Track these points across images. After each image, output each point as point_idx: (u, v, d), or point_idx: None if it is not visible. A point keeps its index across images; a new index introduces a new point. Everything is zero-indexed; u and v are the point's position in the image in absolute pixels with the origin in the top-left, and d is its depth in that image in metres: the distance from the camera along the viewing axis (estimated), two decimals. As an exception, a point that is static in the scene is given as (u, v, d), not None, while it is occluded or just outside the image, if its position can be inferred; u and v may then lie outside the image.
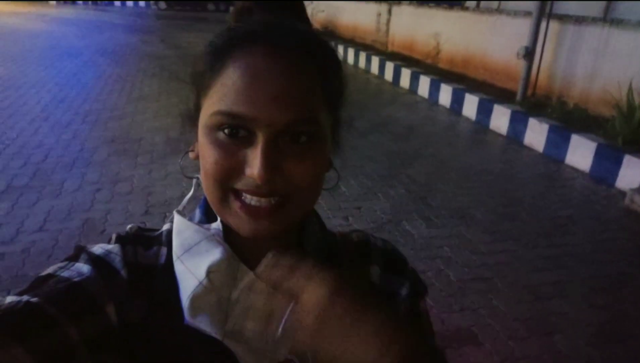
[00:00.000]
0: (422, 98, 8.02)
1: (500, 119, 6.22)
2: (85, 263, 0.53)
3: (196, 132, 0.57)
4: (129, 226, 0.62)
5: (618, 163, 4.54)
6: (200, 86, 0.54)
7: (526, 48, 6.48)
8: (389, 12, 11.34)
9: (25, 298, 0.45)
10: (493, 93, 7.06)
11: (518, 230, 3.66)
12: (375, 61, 9.93)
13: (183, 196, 0.62)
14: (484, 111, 6.56)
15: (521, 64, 6.61)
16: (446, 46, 8.95)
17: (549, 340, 2.51)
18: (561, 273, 3.11)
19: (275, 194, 0.51)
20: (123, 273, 0.54)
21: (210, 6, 26.79)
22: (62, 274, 0.50)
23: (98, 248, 0.56)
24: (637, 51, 5.55)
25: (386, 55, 10.34)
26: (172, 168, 4.47)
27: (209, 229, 0.56)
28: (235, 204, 0.51)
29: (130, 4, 27.64)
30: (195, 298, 0.52)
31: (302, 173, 0.51)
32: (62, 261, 0.53)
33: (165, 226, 0.62)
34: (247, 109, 0.48)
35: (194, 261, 0.54)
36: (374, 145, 5.43)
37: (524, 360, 2.38)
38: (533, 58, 6.56)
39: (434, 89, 7.83)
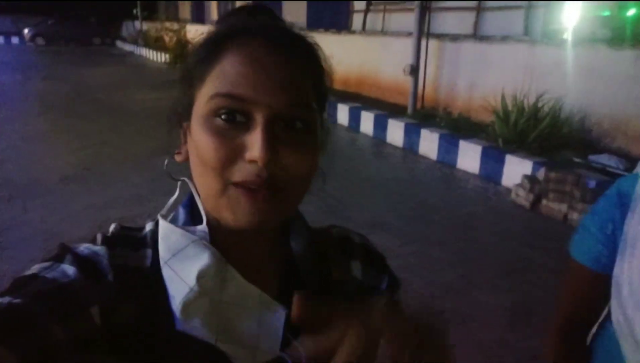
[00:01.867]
0: (322, 118, 8.28)
1: (396, 132, 6.63)
2: (70, 264, 0.51)
3: (182, 132, 0.57)
4: (113, 225, 0.60)
5: (501, 163, 5.05)
6: (194, 77, 0.55)
7: (411, 65, 7.01)
8: (281, 38, 11.66)
9: (7, 299, 0.44)
10: (386, 109, 7.51)
11: (426, 231, 3.92)
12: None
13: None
14: (380, 126, 6.95)
15: (409, 80, 7.12)
16: (339, 67, 9.27)
17: (465, 329, 2.70)
18: (469, 265, 3.38)
19: (274, 183, 0.51)
20: (110, 276, 0.53)
21: (96, 40, 25.63)
22: (47, 275, 0.49)
23: (84, 249, 0.54)
24: (504, 62, 6.26)
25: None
26: (74, 207, 4.19)
27: (194, 232, 0.56)
28: (233, 190, 0.51)
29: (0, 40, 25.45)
30: (186, 304, 0.52)
31: (297, 162, 0.52)
32: (46, 261, 0.51)
33: (148, 227, 0.61)
34: (247, 91, 0.50)
35: (182, 266, 0.54)
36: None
37: (446, 350, 2.55)
38: (418, 74, 7.10)
39: (332, 109, 8.13)
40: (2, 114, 8.02)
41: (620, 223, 0.91)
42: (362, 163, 5.96)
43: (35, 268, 0.50)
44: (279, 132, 0.51)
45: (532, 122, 5.27)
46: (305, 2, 11.73)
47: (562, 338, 1.03)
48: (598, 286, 0.95)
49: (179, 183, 0.61)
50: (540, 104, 5.43)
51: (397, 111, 7.30)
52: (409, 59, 7.06)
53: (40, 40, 23.92)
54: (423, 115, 6.87)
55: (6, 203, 4.30)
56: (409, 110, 7.11)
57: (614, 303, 0.91)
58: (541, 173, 4.48)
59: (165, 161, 0.60)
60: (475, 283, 3.17)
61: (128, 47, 23.16)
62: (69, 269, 0.50)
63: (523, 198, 4.51)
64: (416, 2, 6.91)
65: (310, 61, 0.56)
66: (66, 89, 10.69)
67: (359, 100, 8.29)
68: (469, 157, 5.46)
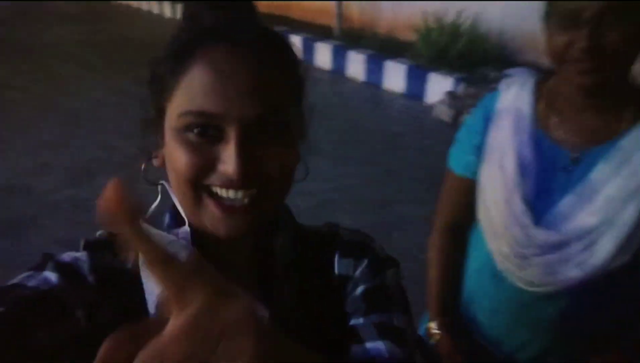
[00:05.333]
0: (249, 44, 8.07)
1: (324, 55, 6.63)
2: (52, 271, 0.51)
3: (157, 138, 0.57)
4: (99, 232, 0.60)
5: (424, 81, 5.25)
6: (163, 88, 0.54)
7: (336, -15, 6.87)
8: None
9: None
10: (313, 32, 7.40)
11: (358, 152, 4.11)
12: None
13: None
14: (308, 49, 6.86)
15: (334, 2, 7.00)
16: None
17: (389, 239, 2.89)
18: (397, 182, 3.62)
19: (250, 187, 0.51)
20: (90, 278, 0.53)
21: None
22: (29, 283, 0.49)
23: (66, 256, 0.55)
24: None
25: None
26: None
27: (176, 233, 0.56)
28: (210, 203, 0.52)
29: None
30: (160, 304, 0.51)
31: (273, 164, 0.52)
32: (28, 270, 0.52)
33: None
34: (216, 107, 0.49)
35: None
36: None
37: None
38: (343, -6, 6.98)
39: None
40: None
41: (485, 134, 1.07)
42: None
43: (17, 278, 0.51)
44: (253, 137, 0.51)
45: (452, 40, 5.42)
46: None
47: (446, 240, 1.20)
48: (471, 192, 1.11)
49: (159, 187, 0.60)
50: (460, 21, 5.57)
51: (324, 33, 7.21)
52: (333, -21, 6.90)
53: None
54: (350, 37, 6.84)
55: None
56: (336, 32, 7.05)
57: (479, 201, 1.09)
58: (461, 89, 4.72)
59: (142, 166, 0.60)
60: (401, 197, 3.42)
61: None
62: (51, 275, 0.51)
63: (445, 113, 4.76)
64: None
65: (281, 56, 0.55)
66: None
67: (287, 23, 8.08)
68: (395, 77, 5.60)
